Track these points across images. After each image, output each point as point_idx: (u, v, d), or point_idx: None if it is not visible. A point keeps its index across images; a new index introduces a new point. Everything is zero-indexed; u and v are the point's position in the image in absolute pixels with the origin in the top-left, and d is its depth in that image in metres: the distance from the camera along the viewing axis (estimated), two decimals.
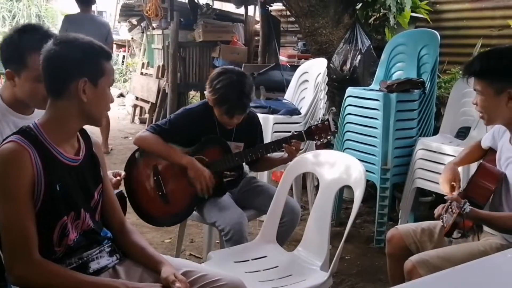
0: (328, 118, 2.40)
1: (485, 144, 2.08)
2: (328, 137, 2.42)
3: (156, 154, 2.36)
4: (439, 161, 2.88)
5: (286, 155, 2.37)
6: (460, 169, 2.10)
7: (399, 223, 3.12)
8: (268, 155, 2.45)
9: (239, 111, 2.30)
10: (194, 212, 2.44)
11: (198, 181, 2.30)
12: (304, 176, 3.41)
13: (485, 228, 1.93)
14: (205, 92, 2.40)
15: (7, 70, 1.77)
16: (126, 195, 2.21)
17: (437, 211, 1.86)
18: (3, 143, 1.42)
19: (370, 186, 3.34)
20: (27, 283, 1.40)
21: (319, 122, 2.44)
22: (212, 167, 2.35)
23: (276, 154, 2.49)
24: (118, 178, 2.01)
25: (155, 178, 2.36)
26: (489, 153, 2.06)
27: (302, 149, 2.80)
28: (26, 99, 1.80)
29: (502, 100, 1.81)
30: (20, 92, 1.79)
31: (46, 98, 1.79)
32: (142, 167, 2.38)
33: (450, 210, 1.69)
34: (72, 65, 1.43)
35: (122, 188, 2.16)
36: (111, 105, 1.58)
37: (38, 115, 1.91)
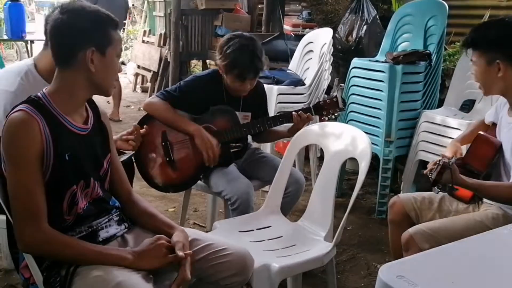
0: (336, 95, 2.41)
1: (488, 119, 2.10)
2: (336, 114, 2.42)
3: (164, 121, 2.35)
4: (442, 134, 2.88)
5: (289, 127, 2.37)
6: (463, 147, 2.12)
7: None
8: (274, 127, 2.46)
9: (251, 75, 2.28)
10: (199, 181, 2.46)
11: (204, 150, 2.31)
12: (307, 147, 3.42)
13: (485, 199, 1.96)
14: (216, 61, 2.36)
15: None
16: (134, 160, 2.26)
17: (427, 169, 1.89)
18: (12, 112, 1.42)
19: (372, 158, 3.32)
20: (35, 251, 1.43)
21: (328, 98, 2.44)
22: (219, 136, 2.35)
23: (280, 126, 2.49)
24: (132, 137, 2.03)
25: (163, 144, 2.37)
26: (492, 128, 2.08)
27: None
28: None
29: (493, 71, 1.85)
30: None
31: None
32: (151, 133, 2.37)
33: (438, 162, 1.76)
34: (79, 34, 1.42)
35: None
36: None
37: None
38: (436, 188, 1.77)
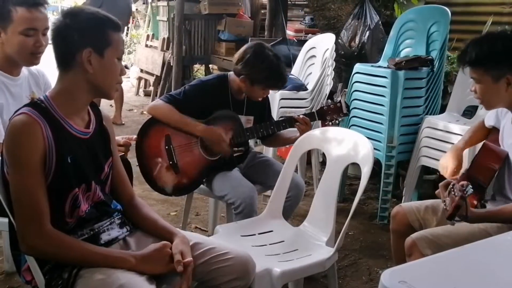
0: (340, 100, 2.42)
1: (488, 123, 2.07)
2: (339, 119, 2.43)
3: (170, 123, 2.35)
4: (445, 139, 2.89)
5: (298, 134, 2.38)
6: (465, 151, 2.10)
7: (402, 201, 3.14)
8: (282, 132, 2.48)
9: (282, 84, 2.44)
10: (201, 186, 2.46)
11: (219, 145, 2.33)
12: (309, 152, 3.43)
13: (488, 208, 1.94)
14: (239, 73, 2.36)
15: None
16: (129, 160, 2.26)
17: (438, 192, 1.84)
18: (15, 115, 1.43)
19: (374, 163, 3.32)
20: (38, 253, 1.43)
21: (331, 103, 2.44)
22: None
23: (289, 132, 2.50)
24: (127, 140, 2.03)
25: (166, 147, 2.37)
26: (493, 132, 2.05)
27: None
28: (15, 55, 1.88)
29: (501, 87, 1.80)
30: (8, 48, 1.87)
31: (34, 53, 1.89)
32: (155, 136, 2.37)
33: (453, 193, 1.67)
34: (76, 35, 1.43)
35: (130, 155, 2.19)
36: None
37: (24, 78, 2.01)
38: (454, 221, 1.67)
